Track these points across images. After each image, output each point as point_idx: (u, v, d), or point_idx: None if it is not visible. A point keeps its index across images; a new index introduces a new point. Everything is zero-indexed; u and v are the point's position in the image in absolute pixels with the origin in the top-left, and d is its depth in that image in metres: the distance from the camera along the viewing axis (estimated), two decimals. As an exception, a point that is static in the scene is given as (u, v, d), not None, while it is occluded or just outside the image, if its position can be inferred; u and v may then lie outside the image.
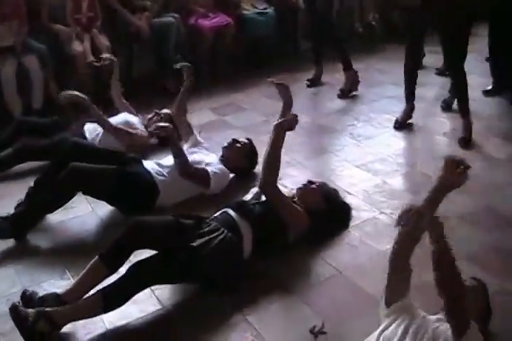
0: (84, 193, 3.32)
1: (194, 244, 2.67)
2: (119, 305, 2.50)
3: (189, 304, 2.67)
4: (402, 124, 4.46)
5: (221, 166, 3.63)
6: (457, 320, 2.06)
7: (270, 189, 3.00)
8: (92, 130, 4.04)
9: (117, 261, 2.65)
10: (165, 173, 3.48)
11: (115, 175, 3.31)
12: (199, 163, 3.57)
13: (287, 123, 3.09)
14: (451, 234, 3.02)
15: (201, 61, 5.53)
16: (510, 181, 3.62)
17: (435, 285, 2.06)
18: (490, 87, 4.99)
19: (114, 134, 3.91)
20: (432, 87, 5.21)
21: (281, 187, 3.24)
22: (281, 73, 5.53)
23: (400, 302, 2.25)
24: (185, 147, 3.77)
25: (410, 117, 4.52)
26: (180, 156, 3.43)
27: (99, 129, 3.97)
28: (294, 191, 3.21)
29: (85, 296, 2.53)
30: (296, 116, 3.15)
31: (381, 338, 2.13)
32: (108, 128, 3.89)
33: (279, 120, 3.16)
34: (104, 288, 2.52)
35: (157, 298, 2.68)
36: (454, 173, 2.25)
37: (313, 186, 3.18)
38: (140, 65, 5.51)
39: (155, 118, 4.19)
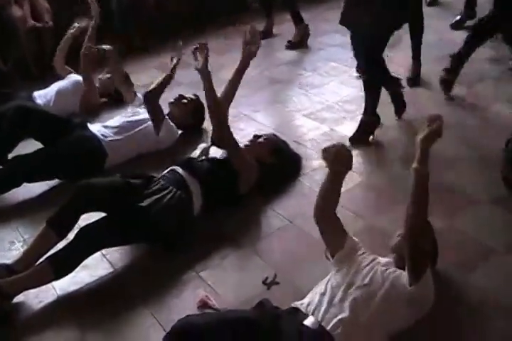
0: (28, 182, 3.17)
1: (143, 204, 2.58)
2: (70, 271, 2.42)
3: (141, 264, 2.59)
4: None
5: (169, 121, 3.51)
6: (418, 263, 2.02)
7: (225, 143, 2.91)
8: (43, 95, 3.95)
9: (65, 225, 2.57)
10: (112, 134, 3.37)
11: (54, 154, 3.20)
12: (143, 120, 3.45)
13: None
14: (392, 175, 3.04)
15: (147, 19, 5.28)
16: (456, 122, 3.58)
17: (407, 219, 2.03)
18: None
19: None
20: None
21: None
22: (234, 26, 5.42)
23: (341, 251, 2.20)
24: (129, 109, 3.64)
25: None
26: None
27: (51, 94, 3.90)
28: (242, 145, 3.11)
29: (35, 264, 2.43)
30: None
31: (329, 285, 2.09)
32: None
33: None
34: (53, 254, 2.42)
35: (108, 261, 2.59)
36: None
37: (261, 140, 3.08)
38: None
39: (104, 77, 4.13)
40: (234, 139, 2.89)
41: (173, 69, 3.39)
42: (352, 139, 3.43)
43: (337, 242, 2.21)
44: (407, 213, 2.05)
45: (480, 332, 2.14)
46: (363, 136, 3.46)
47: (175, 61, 3.40)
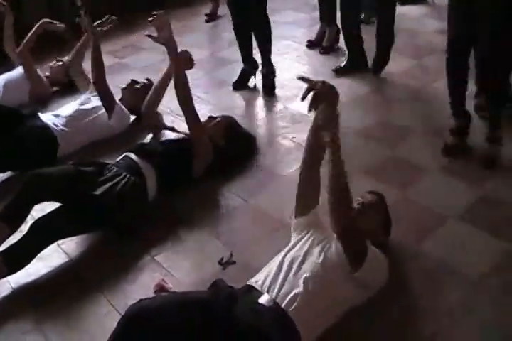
0: None
1: (96, 192, 2.52)
2: (25, 265, 2.36)
3: (96, 252, 2.54)
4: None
5: (121, 107, 3.44)
6: (352, 255, 2.00)
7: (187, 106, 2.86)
8: None
9: (17, 217, 2.49)
10: (63, 123, 3.28)
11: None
12: (95, 108, 3.37)
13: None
14: (346, 148, 3.03)
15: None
16: (407, 95, 3.58)
17: (329, 210, 1.99)
18: None
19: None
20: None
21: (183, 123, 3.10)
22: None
23: (307, 216, 2.21)
24: (82, 96, 3.55)
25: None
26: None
27: None
28: None
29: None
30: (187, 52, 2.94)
31: (283, 261, 2.07)
32: None
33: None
34: (7, 248, 2.35)
35: (64, 251, 2.53)
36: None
37: (214, 122, 3.04)
38: (31, 8, 4.90)
39: (56, 64, 4.00)
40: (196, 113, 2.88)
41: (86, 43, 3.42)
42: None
43: (306, 206, 2.22)
44: (329, 204, 1.99)
45: (434, 299, 2.15)
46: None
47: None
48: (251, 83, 3.96)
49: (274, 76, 3.87)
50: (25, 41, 3.74)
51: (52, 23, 3.78)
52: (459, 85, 2.90)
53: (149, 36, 2.92)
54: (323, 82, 1.96)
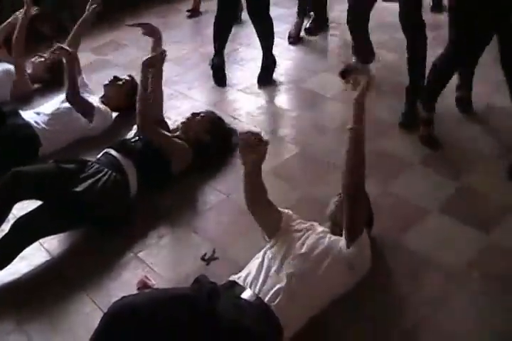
0: None
1: (78, 189, 2.50)
2: (6, 264, 2.34)
3: (78, 250, 2.52)
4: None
5: (102, 106, 3.41)
6: (354, 223, 2.04)
7: (148, 129, 2.83)
8: None
9: None
10: (45, 121, 3.24)
11: None
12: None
13: (149, 60, 2.91)
14: (329, 143, 3.04)
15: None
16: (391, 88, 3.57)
17: (344, 175, 2.06)
18: None
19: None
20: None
21: (166, 120, 3.09)
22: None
23: (278, 232, 2.18)
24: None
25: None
26: (72, 78, 3.22)
27: None
28: (179, 123, 3.05)
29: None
30: (163, 52, 2.99)
31: (266, 256, 2.07)
32: None
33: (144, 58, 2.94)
34: None
35: (46, 250, 2.50)
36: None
37: (198, 118, 3.02)
38: (8, 4, 4.62)
39: (37, 60, 3.94)
40: (157, 128, 2.85)
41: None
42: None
43: (273, 225, 2.19)
44: (346, 172, 2.07)
45: (414, 291, 2.16)
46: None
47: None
48: (230, 76, 3.95)
49: (275, 67, 3.91)
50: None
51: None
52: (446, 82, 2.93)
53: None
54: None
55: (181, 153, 2.86)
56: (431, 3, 4.59)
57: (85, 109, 3.29)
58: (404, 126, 3.15)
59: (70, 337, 2.09)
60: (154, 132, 2.83)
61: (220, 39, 3.91)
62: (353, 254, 2.03)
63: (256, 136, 1.96)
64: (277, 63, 3.97)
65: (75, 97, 3.24)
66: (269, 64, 3.88)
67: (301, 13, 4.54)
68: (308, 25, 4.56)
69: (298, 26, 4.52)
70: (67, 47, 3.24)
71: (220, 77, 3.90)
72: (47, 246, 2.51)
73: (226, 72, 3.95)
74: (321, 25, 4.60)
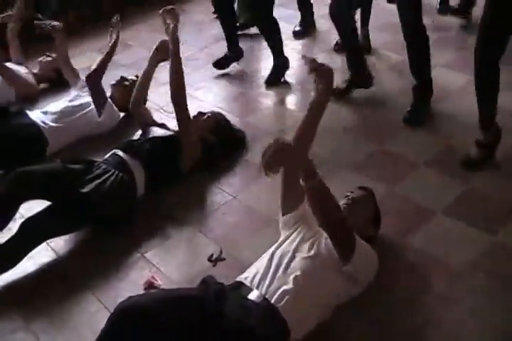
0: None
1: (85, 190, 2.50)
2: (14, 265, 2.34)
3: (85, 250, 2.51)
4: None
5: (111, 104, 3.40)
6: (342, 247, 1.99)
7: (178, 97, 2.81)
8: None
9: (5, 216, 2.46)
10: (52, 120, 3.24)
11: None
12: (85, 104, 3.33)
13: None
14: (336, 144, 3.04)
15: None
16: (398, 89, 3.55)
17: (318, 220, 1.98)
18: None
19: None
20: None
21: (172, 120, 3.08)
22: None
23: (294, 213, 2.20)
24: (72, 92, 3.52)
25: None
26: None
27: None
28: None
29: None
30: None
31: (273, 257, 2.06)
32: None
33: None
34: None
35: (52, 249, 2.50)
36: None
37: (204, 117, 3.01)
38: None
39: (45, 60, 3.92)
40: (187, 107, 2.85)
41: (113, 47, 3.29)
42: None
43: (292, 204, 2.21)
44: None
45: (420, 292, 2.16)
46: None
47: (114, 37, 3.31)
48: (239, 77, 3.95)
49: (286, 68, 3.85)
50: None
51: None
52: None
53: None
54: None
55: (194, 143, 2.84)
56: (437, 6, 4.57)
57: (100, 96, 3.29)
58: (408, 122, 3.12)
59: (76, 336, 2.09)
60: (185, 107, 2.83)
61: (224, 25, 3.96)
62: (350, 270, 2.00)
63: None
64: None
65: (98, 79, 3.25)
66: (277, 64, 3.84)
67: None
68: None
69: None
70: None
71: (217, 62, 3.98)
72: (53, 246, 2.51)
73: (233, 71, 3.96)
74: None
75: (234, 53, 4.01)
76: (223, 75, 3.99)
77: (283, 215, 2.25)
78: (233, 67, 4.03)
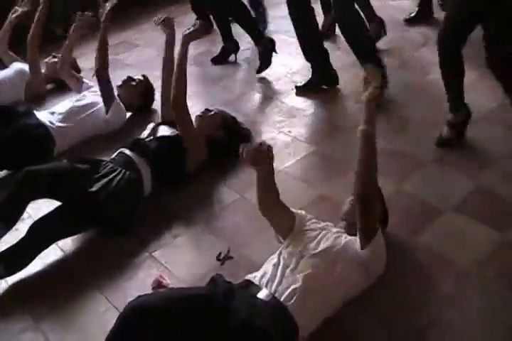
0: None
1: (92, 189, 2.50)
2: (24, 267, 2.34)
3: (92, 249, 2.51)
4: None
5: (119, 102, 3.40)
6: (368, 225, 2.02)
7: (178, 104, 2.79)
8: None
9: (12, 215, 2.47)
10: (59, 120, 3.24)
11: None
12: (91, 104, 3.33)
13: (195, 32, 2.94)
14: (345, 142, 3.02)
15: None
16: (404, 86, 3.53)
17: (356, 178, 2.04)
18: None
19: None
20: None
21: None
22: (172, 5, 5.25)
23: (292, 234, 2.16)
24: (78, 96, 3.50)
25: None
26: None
27: None
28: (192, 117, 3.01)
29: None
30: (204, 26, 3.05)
31: (281, 256, 2.05)
32: None
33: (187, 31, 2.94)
34: (5, 251, 2.32)
35: (60, 248, 2.49)
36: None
37: (211, 113, 3.00)
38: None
39: (52, 60, 3.92)
40: (188, 112, 2.84)
41: (107, 17, 3.29)
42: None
43: (286, 227, 2.17)
44: (356, 173, 2.05)
45: (429, 290, 2.13)
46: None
47: (108, 7, 3.32)
48: (244, 75, 3.92)
49: (272, 50, 3.88)
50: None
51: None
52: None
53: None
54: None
55: (199, 145, 2.84)
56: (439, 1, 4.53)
57: (109, 92, 3.30)
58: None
59: (85, 336, 2.08)
60: (185, 114, 2.82)
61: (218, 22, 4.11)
62: (367, 256, 2.00)
63: (269, 147, 1.99)
64: (291, 63, 3.97)
65: (104, 72, 3.25)
66: (261, 51, 3.86)
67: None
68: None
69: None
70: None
71: (215, 58, 4.09)
72: (62, 246, 2.51)
73: (239, 70, 3.95)
74: None
75: (230, 46, 4.08)
76: (230, 74, 4.00)
77: (284, 239, 2.17)
78: (240, 67, 4.02)
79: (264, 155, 1.99)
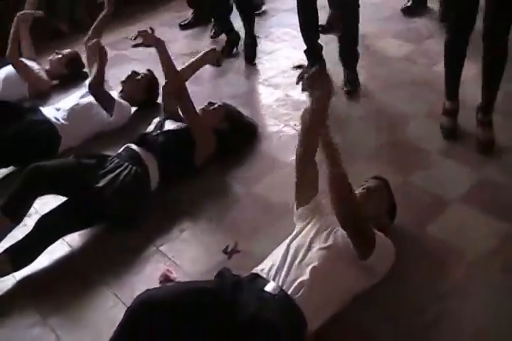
0: None
1: (99, 185, 2.49)
2: (31, 262, 2.33)
3: (99, 244, 2.50)
4: None
5: (122, 100, 3.38)
6: (364, 241, 1.97)
7: (179, 89, 2.80)
8: None
9: (20, 211, 2.46)
10: (65, 117, 3.22)
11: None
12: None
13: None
14: (349, 134, 3.00)
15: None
16: (409, 79, 3.51)
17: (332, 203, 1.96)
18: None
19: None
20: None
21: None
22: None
23: (307, 206, 2.17)
24: (83, 89, 3.47)
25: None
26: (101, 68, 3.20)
27: None
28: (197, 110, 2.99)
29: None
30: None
31: (289, 248, 2.03)
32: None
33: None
34: (12, 247, 2.31)
35: (67, 244, 2.49)
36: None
37: (214, 106, 2.99)
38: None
39: (55, 57, 3.91)
40: (192, 104, 2.83)
41: (101, 55, 3.21)
42: None
43: (306, 196, 2.17)
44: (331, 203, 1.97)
45: (437, 281, 2.12)
46: None
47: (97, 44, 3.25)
48: (249, 68, 3.93)
49: (256, 45, 4.06)
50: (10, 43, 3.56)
51: (27, 12, 3.70)
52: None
53: (135, 46, 3.10)
54: (318, 69, 1.99)
55: (207, 136, 2.83)
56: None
57: (107, 101, 3.26)
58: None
59: (93, 330, 2.07)
60: (187, 101, 2.81)
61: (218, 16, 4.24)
62: (370, 264, 1.98)
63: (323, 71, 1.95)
64: (295, 56, 3.92)
65: (99, 87, 3.21)
66: (249, 43, 4.02)
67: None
68: None
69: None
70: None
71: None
72: (68, 241, 2.50)
73: (244, 63, 3.96)
74: None
75: (231, 37, 4.12)
76: (235, 67, 3.97)
77: (297, 208, 2.22)
78: (241, 63, 3.99)
79: (323, 76, 1.96)
